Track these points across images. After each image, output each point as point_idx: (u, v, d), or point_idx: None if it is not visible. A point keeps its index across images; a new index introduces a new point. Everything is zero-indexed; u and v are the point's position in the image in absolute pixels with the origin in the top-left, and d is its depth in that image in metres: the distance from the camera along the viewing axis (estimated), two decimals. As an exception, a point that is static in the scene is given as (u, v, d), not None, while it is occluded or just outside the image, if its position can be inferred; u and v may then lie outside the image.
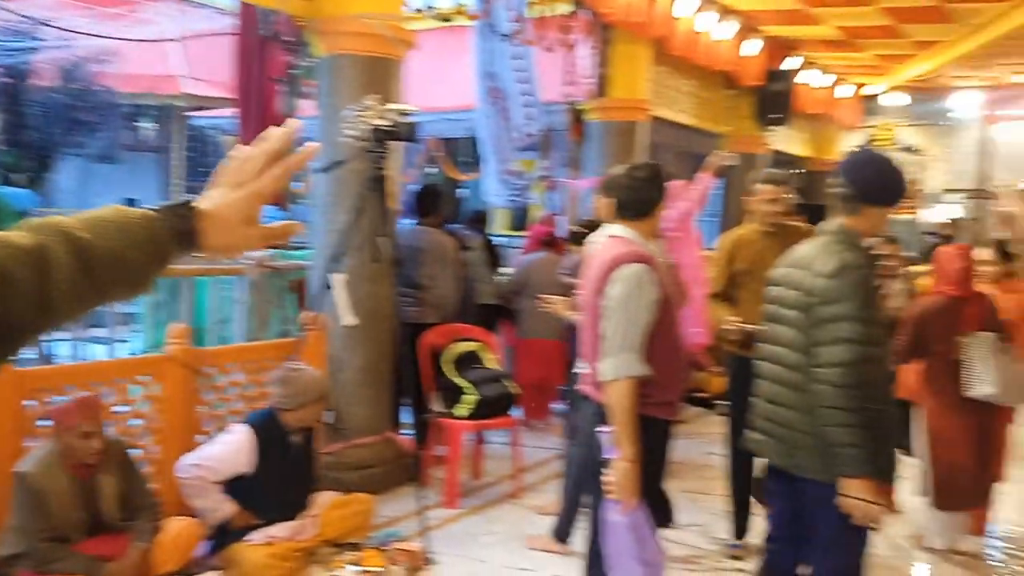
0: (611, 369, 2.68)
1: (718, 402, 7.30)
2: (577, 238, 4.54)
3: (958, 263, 4.19)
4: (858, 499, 2.48)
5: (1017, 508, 5.07)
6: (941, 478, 4.24)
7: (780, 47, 9.19)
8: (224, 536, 3.62)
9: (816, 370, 2.50)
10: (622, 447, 2.66)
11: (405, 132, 3.99)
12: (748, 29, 8.43)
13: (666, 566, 2.84)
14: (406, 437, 5.05)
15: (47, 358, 5.31)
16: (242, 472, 3.61)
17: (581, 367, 3.63)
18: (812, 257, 2.62)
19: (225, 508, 3.61)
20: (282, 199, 5.22)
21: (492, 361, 5.11)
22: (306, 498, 3.86)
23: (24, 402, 3.37)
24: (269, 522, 3.68)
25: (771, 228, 4.00)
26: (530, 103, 6.90)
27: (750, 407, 2.87)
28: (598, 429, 2.71)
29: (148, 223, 0.98)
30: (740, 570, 4.02)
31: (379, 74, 4.65)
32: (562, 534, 4.12)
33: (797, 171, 12.01)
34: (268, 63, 5.01)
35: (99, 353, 5.49)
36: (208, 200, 1.02)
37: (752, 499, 4.06)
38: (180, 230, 0.99)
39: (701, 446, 6.19)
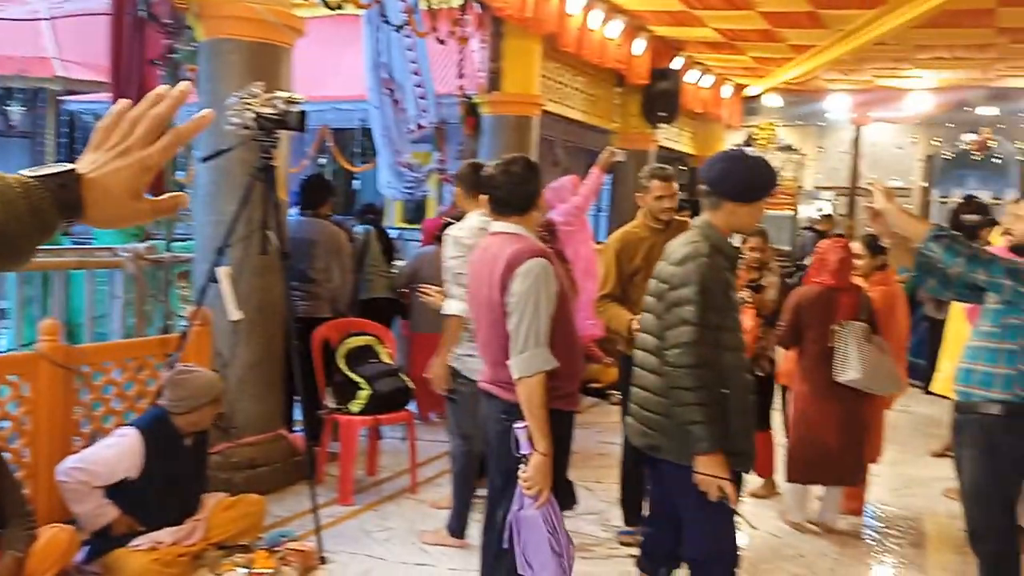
0: (525, 365, 2.66)
1: (611, 392, 7.46)
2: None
3: (835, 255, 4.40)
4: (709, 475, 2.59)
5: (892, 489, 5.38)
6: (796, 453, 4.48)
7: (666, 47, 9.43)
8: (105, 542, 3.45)
9: (666, 353, 2.64)
10: (538, 442, 2.66)
11: (293, 121, 3.87)
12: (636, 28, 8.62)
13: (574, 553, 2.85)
14: (298, 434, 4.93)
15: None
16: (127, 477, 3.43)
17: (467, 363, 3.58)
18: (672, 248, 2.79)
19: (107, 513, 3.44)
20: (160, 188, 4.99)
21: (387, 355, 5.04)
22: (196, 502, 3.71)
23: None
24: (155, 527, 3.53)
25: (660, 224, 4.01)
26: (423, 95, 6.85)
27: None
28: (514, 426, 2.67)
29: (28, 192, 0.90)
30: (633, 556, 4.09)
31: (265, 61, 4.51)
32: (457, 528, 4.10)
33: (683, 167, 12.38)
34: (146, 46, 4.78)
35: (-39, 354, 5.12)
36: (91, 166, 0.95)
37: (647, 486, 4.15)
38: (63, 200, 0.92)
39: (595, 435, 6.29)
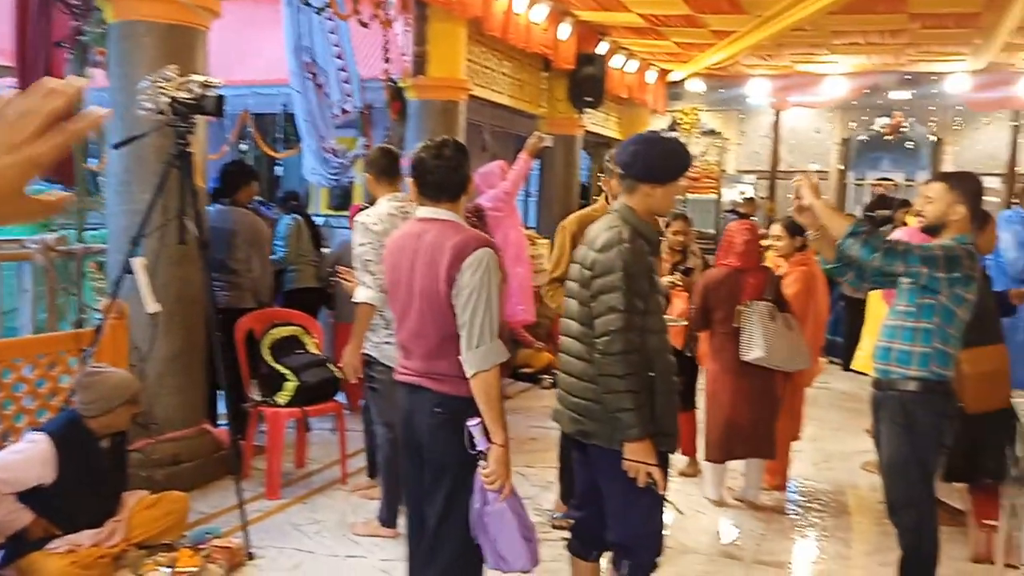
0: (482, 360, 2.58)
1: (543, 376, 7.50)
2: None
3: (740, 237, 4.53)
4: (637, 462, 2.61)
5: (813, 463, 5.54)
6: (710, 432, 4.60)
7: (592, 32, 9.46)
8: (21, 545, 3.31)
9: (595, 341, 2.64)
10: (496, 435, 2.60)
11: (210, 106, 3.75)
12: (561, 13, 8.62)
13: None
14: (223, 428, 4.81)
15: None
16: (41, 483, 3.29)
17: (385, 351, 3.46)
18: (594, 234, 2.77)
19: (21, 518, 3.30)
20: (70, 176, 4.78)
21: (314, 345, 4.95)
22: (115, 502, 3.58)
23: None
24: (73, 530, 3.40)
25: None
26: (347, 79, 6.72)
27: None
28: (468, 424, 2.59)
29: None
30: (566, 539, 4.12)
31: (179, 43, 4.36)
32: (388, 518, 4.06)
33: (610, 152, 12.43)
34: (52, 28, 4.56)
35: None
36: None
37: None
38: None
39: (527, 420, 6.31)
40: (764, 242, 5.02)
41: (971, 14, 8.31)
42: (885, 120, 13.15)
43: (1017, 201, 5.74)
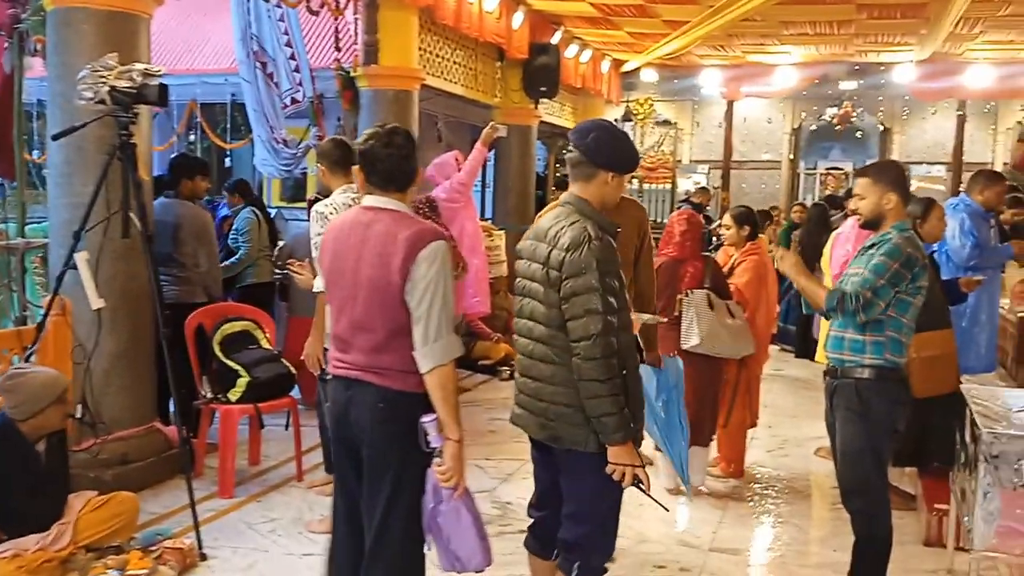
0: (440, 354, 2.50)
1: (502, 368, 7.48)
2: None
3: (678, 227, 4.57)
4: (623, 464, 2.57)
5: (768, 451, 5.60)
6: None
7: (545, 21, 9.43)
8: (-37, 552, 3.19)
9: (573, 345, 2.55)
10: (452, 431, 2.52)
11: (152, 95, 3.64)
12: (514, 2, 8.57)
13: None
14: (173, 426, 4.70)
15: None
16: None
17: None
18: (553, 229, 2.63)
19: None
20: (10, 169, 4.63)
21: (266, 340, 4.87)
22: (60, 505, 3.47)
23: None
24: (18, 535, 3.29)
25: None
26: (297, 68, 6.61)
27: None
28: (422, 420, 2.51)
29: None
30: (522, 532, 4.11)
31: (120, 31, 4.23)
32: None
33: (566, 142, 12.42)
34: (-13, 14, 4.40)
35: None
36: None
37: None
38: None
39: (486, 412, 6.29)
40: (723, 232, 5.07)
41: (917, 4, 8.46)
42: (835, 110, 13.36)
43: (964, 189, 5.85)
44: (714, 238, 7.55)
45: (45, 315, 3.94)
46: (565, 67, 9.97)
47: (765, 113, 13.88)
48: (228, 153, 8.42)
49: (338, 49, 6.65)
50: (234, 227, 6.10)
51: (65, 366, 4.21)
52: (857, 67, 12.40)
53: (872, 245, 3.18)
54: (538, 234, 2.70)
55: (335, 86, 6.91)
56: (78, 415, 4.17)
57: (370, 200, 2.65)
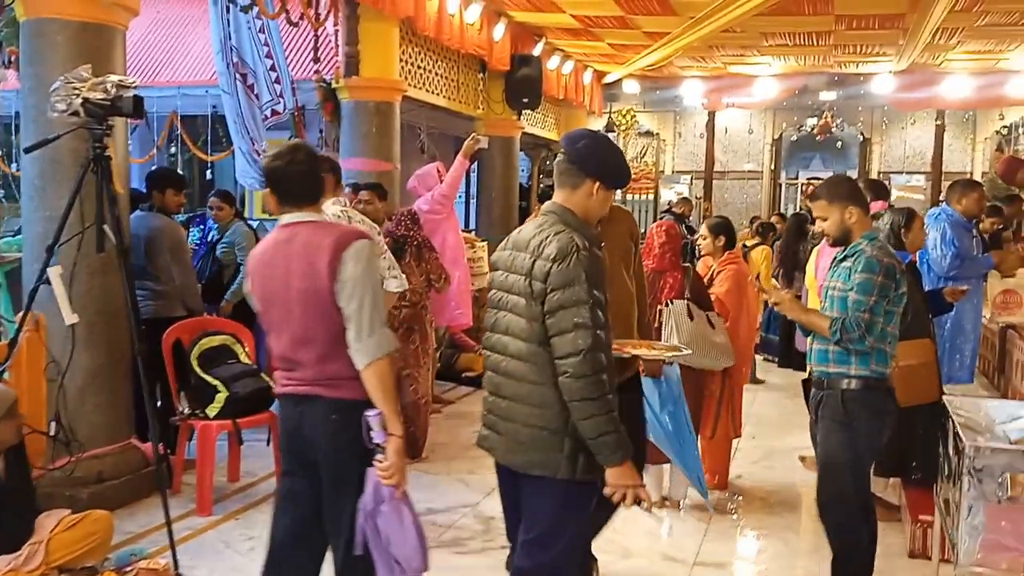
0: (376, 348, 2.51)
1: (483, 381, 7.42)
2: None
3: (657, 239, 4.56)
4: (625, 485, 2.41)
5: (752, 461, 5.58)
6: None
7: (527, 33, 9.44)
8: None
9: (559, 362, 2.38)
10: (395, 426, 2.52)
11: (126, 107, 3.58)
12: (495, 13, 8.57)
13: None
14: (150, 443, 4.62)
15: None
16: None
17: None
18: (536, 239, 2.47)
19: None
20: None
21: (245, 355, 4.81)
22: (26, 523, 3.38)
23: None
24: (-16, 556, 3.21)
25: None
26: (278, 79, 6.57)
27: None
28: (366, 414, 2.50)
29: None
30: (505, 547, 4.07)
31: (94, 42, 4.18)
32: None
33: (549, 153, 12.48)
34: (-42, 26, 4.33)
35: None
36: None
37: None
38: None
39: (470, 425, 6.22)
40: (699, 243, 5.07)
41: (895, 15, 8.53)
42: (815, 120, 13.45)
43: (944, 199, 5.88)
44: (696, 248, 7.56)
45: (18, 331, 3.87)
46: (547, 78, 9.99)
47: (746, 124, 13.94)
48: (210, 165, 8.36)
49: (317, 60, 6.62)
50: (226, 240, 5.97)
51: (39, 383, 4.14)
52: (836, 78, 12.49)
53: (845, 258, 3.19)
54: (518, 244, 2.54)
55: (316, 98, 6.87)
56: (52, 432, 4.10)
57: (287, 218, 2.66)
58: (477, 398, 7.09)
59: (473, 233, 9.42)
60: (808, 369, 3.40)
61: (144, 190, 5.26)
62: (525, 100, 9.47)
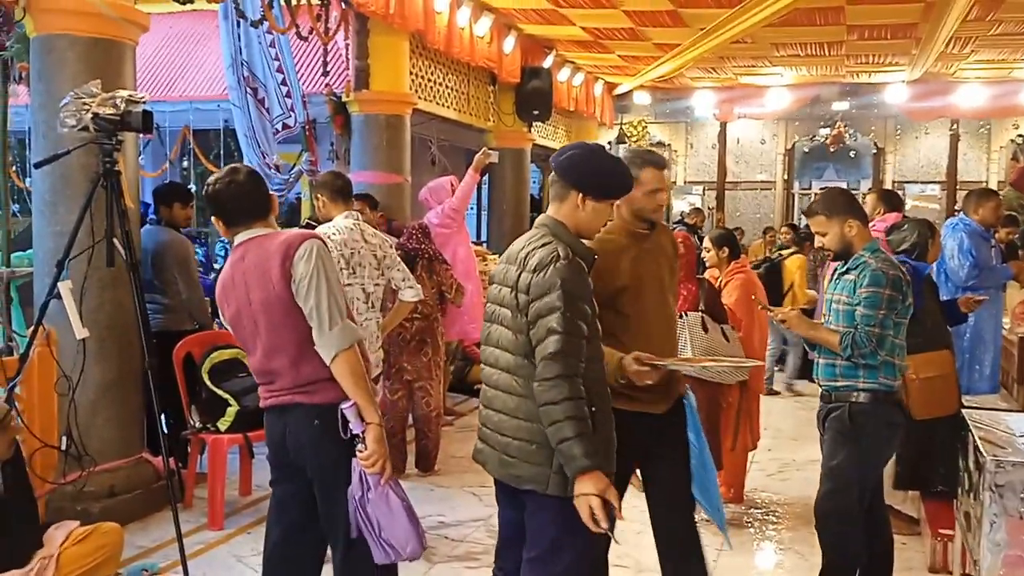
0: (340, 339, 2.58)
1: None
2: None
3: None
4: (589, 494, 2.29)
5: (769, 474, 5.51)
6: None
7: (537, 45, 9.45)
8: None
9: (537, 370, 2.36)
10: (370, 414, 2.57)
11: (136, 122, 3.59)
12: (505, 26, 8.58)
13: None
14: (161, 457, 4.61)
15: None
16: None
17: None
18: (524, 251, 2.47)
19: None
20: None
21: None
22: (29, 538, 3.37)
23: None
24: (-2, 571, 3.19)
25: (646, 227, 2.98)
26: (289, 93, 6.59)
27: None
28: (341, 406, 2.56)
29: None
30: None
31: (104, 58, 4.21)
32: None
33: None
34: (-30, 42, 4.36)
35: None
36: None
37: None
38: None
39: (478, 439, 6.19)
40: (705, 255, 5.06)
41: (907, 25, 8.48)
42: (827, 131, 13.39)
43: (960, 209, 5.82)
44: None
45: (29, 345, 3.87)
46: (558, 90, 9.99)
47: (758, 134, 13.90)
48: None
49: (326, 74, 6.64)
50: None
51: (50, 397, 4.15)
52: (849, 88, 12.44)
53: (848, 270, 3.16)
54: (510, 257, 2.54)
55: (327, 111, 6.90)
56: (63, 447, 4.10)
57: (238, 238, 2.73)
58: (489, 411, 7.11)
59: (484, 246, 9.41)
60: None
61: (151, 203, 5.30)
62: (536, 112, 9.48)
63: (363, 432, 2.56)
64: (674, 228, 11.46)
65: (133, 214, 4.35)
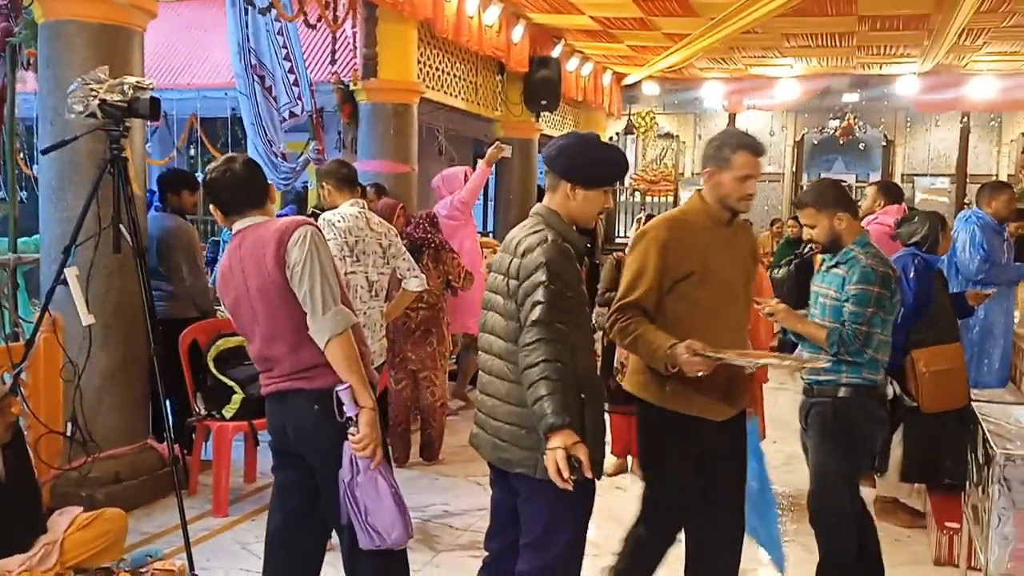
0: (333, 324, 2.60)
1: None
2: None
3: None
4: (556, 447, 2.29)
5: (774, 467, 5.48)
6: None
7: (545, 35, 9.41)
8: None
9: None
10: (364, 398, 2.59)
11: (143, 108, 3.59)
12: (514, 15, 8.54)
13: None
14: (166, 444, 4.63)
15: None
16: None
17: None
18: (516, 239, 2.52)
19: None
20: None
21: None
22: (35, 520, 3.38)
23: None
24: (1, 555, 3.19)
25: (728, 215, 2.87)
26: (296, 82, 6.58)
27: None
28: (337, 389, 2.58)
29: None
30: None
31: (112, 44, 4.20)
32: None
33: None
34: (-22, 28, 4.36)
35: None
36: None
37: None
38: None
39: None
40: None
41: (919, 16, 8.41)
42: (837, 122, 13.30)
43: (969, 202, 5.79)
44: None
45: (35, 331, 3.88)
46: (566, 80, 9.94)
47: (767, 125, 13.82)
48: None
49: (334, 62, 6.62)
50: None
51: (56, 383, 4.16)
52: (859, 79, 12.35)
53: (836, 264, 3.13)
54: (506, 246, 2.59)
55: (334, 99, 6.88)
56: (68, 433, 4.11)
57: (236, 226, 2.76)
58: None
59: (491, 236, 9.39)
60: None
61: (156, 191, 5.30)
62: (544, 102, 9.44)
63: (356, 415, 2.58)
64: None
65: (140, 201, 4.36)
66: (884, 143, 13.49)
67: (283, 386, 2.72)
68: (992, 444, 2.84)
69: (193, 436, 4.73)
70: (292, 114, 6.61)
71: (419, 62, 7.40)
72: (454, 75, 8.33)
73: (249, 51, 6.28)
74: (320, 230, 2.73)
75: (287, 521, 2.88)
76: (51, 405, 4.15)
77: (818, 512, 3.21)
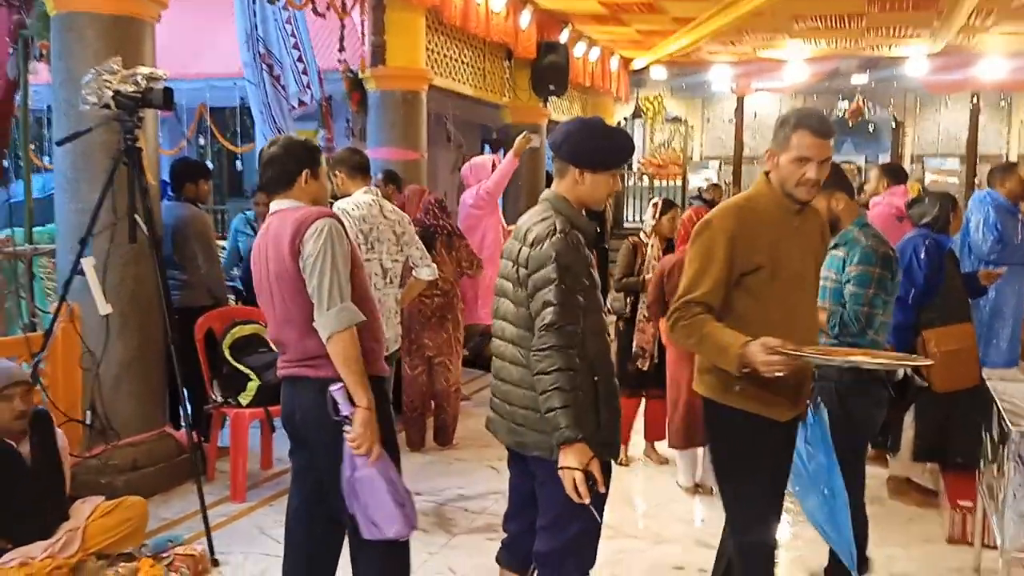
0: (336, 320, 2.62)
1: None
2: None
3: (691, 224, 4.50)
4: (570, 468, 2.33)
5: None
6: (672, 420, 4.58)
7: (553, 20, 9.37)
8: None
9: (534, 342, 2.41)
10: (359, 397, 2.62)
11: (156, 99, 3.61)
12: (521, 1, 8.52)
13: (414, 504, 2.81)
14: (184, 431, 4.68)
15: None
16: None
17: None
18: (525, 226, 2.53)
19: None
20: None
21: (276, 343, 4.84)
22: (59, 509, 3.43)
23: None
24: (24, 542, 3.25)
25: (795, 205, 2.60)
26: (305, 70, 6.58)
27: None
28: (330, 389, 2.61)
29: None
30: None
31: (124, 35, 4.20)
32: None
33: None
34: (-8, 20, 4.39)
35: None
36: None
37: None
38: None
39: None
40: None
41: (929, -4, 8.36)
42: (846, 104, 13.24)
43: (979, 183, 5.78)
44: None
45: (53, 321, 3.92)
46: (574, 65, 9.91)
47: (776, 108, 13.75)
48: (238, 156, 8.41)
49: (342, 50, 6.61)
50: None
51: (74, 372, 4.20)
52: (868, 61, 12.28)
53: (835, 246, 3.12)
54: (517, 233, 2.58)
55: (343, 87, 6.88)
56: (88, 421, 4.16)
57: (271, 207, 2.81)
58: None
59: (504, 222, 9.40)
60: None
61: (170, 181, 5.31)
62: (552, 87, 9.42)
63: (351, 415, 2.60)
64: (691, 203, 11.42)
65: (154, 191, 4.38)
66: (893, 124, 13.43)
67: (293, 371, 2.78)
68: (1007, 422, 2.85)
69: (210, 423, 4.78)
70: (301, 102, 6.61)
71: (427, 49, 7.40)
72: (462, 62, 8.32)
73: (258, 40, 6.29)
74: (341, 223, 2.74)
75: (305, 504, 2.93)
76: (70, 394, 4.20)
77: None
